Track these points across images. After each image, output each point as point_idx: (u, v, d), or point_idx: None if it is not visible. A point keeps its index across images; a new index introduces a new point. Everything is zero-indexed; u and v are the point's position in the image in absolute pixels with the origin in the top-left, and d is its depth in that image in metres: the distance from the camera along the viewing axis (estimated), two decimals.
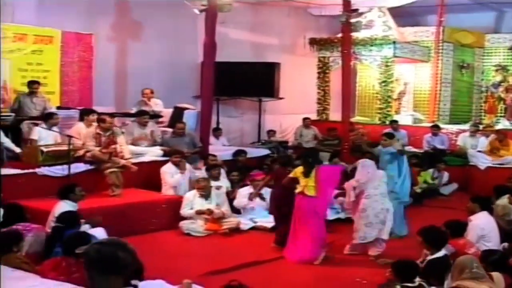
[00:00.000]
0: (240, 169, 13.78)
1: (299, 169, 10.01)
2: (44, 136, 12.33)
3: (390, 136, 12.47)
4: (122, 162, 12.11)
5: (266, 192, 11.81)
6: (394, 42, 19.47)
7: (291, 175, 10.13)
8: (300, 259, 9.67)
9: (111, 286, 3.48)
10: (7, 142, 12.10)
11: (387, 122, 19.16)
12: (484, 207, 9.50)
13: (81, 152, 12.17)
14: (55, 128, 12.54)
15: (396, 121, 18.69)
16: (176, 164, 12.80)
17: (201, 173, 12.95)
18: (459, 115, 20.82)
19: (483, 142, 17.21)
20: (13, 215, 8.52)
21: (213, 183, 12.28)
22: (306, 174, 9.84)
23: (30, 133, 12.46)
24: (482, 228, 9.07)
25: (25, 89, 13.83)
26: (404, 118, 19.71)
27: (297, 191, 9.88)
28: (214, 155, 13.94)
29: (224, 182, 13.01)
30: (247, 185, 12.68)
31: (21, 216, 8.56)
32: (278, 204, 10.67)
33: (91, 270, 3.50)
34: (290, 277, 9.15)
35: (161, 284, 5.81)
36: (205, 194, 11.72)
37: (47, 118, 12.58)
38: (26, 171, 11.42)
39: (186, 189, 12.57)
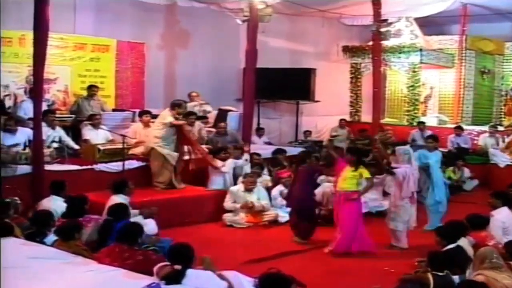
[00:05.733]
0: (279, 166, 13.78)
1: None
2: (93, 135, 12.50)
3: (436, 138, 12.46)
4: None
5: None
6: (420, 50, 19.34)
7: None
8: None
9: None
10: (68, 141, 12.29)
11: (415, 124, 19.05)
12: (505, 202, 9.40)
13: None
14: (104, 127, 12.71)
15: (423, 123, 18.54)
16: (223, 160, 12.86)
17: (243, 161, 13.04)
18: (480, 117, 20.59)
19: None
20: (76, 206, 8.63)
21: (258, 180, 12.31)
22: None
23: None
24: (503, 222, 8.97)
25: (84, 93, 14.04)
26: (430, 119, 19.54)
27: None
28: (258, 154, 13.97)
29: (265, 178, 13.04)
30: (278, 183, 12.68)
31: (82, 207, 8.66)
32: (298, 201, 10.53)
33: None
34: (323, 265, 9.14)
35: (210, 274, 5.81)
36: (250, 188, 11.75)
37: (90, 119, 12.80)
38: (84, 167, 11.58)
39: (231, 181, 12.63)
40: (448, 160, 16.21)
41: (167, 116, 12.01)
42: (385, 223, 10.20)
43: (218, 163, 12.55)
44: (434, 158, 11.63)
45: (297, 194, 10.52)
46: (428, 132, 17.88)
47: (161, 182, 12.01)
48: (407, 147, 10.92)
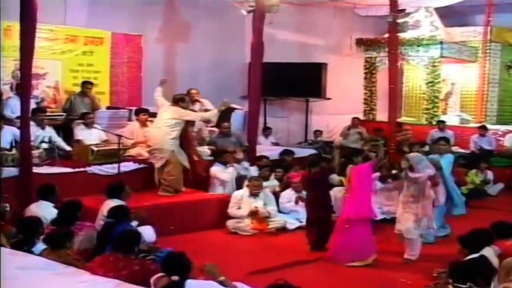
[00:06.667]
0: (285, 168, 13.76)
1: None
2: (86, 135, 12.50)
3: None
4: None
5: None
6: (441, 42, 19.31)
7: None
8: (336, 259, 9.51)
9: None
10: (59, 141, 12.28)
11: (434, 123, 19.01)
12: None
13: None
14: (98, 126, 12.70)
15: (443, 122, 18.51)
16: (226, 163, 12.84)
17: (248, 169, 13.00)
18: (506, 116, 20.57)
19: None
20: (69, 213, 8.60)
21: (264, 183, 12.26)
22: (343, 174, 9.71)
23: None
24: None
25: (77, 89, 14.02)
26: (451, 118, 19.52)
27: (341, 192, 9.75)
28: (266, 157, 13.92)
29: (272, 182, 13.01)
30: (288, 186, 12.66)
31: (75, 214, 8.62)
32: (310, 206, 10.51)
33: None
34: (335, 277, 9.10)
35: (211, 283, 5.79)
36: (256, 193, 11.71)
37: (82, 118, 12.77)
38: (77, 169, 11.56)
39: (233, 187, 12.64)
40: (471, 162, 16.16)
41: (179, 110, 11.95)
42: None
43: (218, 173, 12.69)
44: (447, 161, 11.62)
45: (311, 201, 10.51)
46: (449, 132, 17.87)
47: (174, 187, 11.96)
48: (417, 153, 10.80)
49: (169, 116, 11.91)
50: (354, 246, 9.50)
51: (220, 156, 13.00)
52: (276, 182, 13.10)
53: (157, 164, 11.91)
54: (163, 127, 11.88)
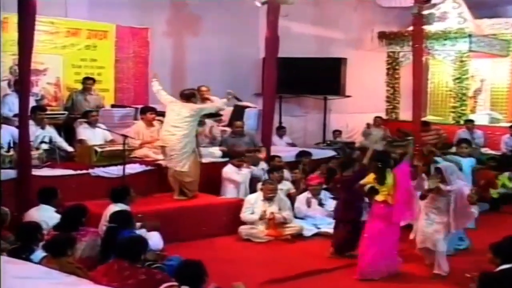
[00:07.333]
0: (302, 170, 13.71)
1: (372, 176, 9.78)
2: (89, 135, 12.50)
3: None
4: None
5: (325, 197, 11.75)
6: (469, 36, 19.22)
7: (363, 181, 9.87)
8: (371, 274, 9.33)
9: None
10: (60, 141, 12.26)
11: (462, 122, 18.91)
12: None
13: None
14: (102, 126, 12.68)
15: (471, 121, 18.42)
16: (238, 166, 12.80)
17: (258, 170, 13.02)
18: None
19: None
20: (73, 218, 8.58)
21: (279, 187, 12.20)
22: (380, 181, 9.53)
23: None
24: None
25: (79, 86, 14.01)
26: (480, 117, 19.44)
27: (378, 199, 9.57)
28: (279, 157, 13.87)
29: (286, 185, 12.94)
30: (305, 190, 12.61)
31: (79, 219, 8.59)
32: (342, 208, 10.50)
33: None
34: (355, 286, 9.05)
35: None
36: (270, 197, 11.65)
37: (85, 116, 12.77)
38: (79, 171, 11.54)
39: (247, 190, 12.62)
40: (502, 164, 16.03)
41: (194, 106, 11.92)
42: None
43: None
44: (468, 164, 11.56)
45: (342, 203, 10.53)
46: (478, 132, 17.77)
47: (193, 191, 11.97)
48: (450, 164, 10.71)
49: (187, 113, 11.75)
50: (388, 256, 9.46)
51: (235, 158, 12.95)
52: (291, 186, 13.05)
53: (181, 168, 11.77)
54: (184, 125, 11.71)
